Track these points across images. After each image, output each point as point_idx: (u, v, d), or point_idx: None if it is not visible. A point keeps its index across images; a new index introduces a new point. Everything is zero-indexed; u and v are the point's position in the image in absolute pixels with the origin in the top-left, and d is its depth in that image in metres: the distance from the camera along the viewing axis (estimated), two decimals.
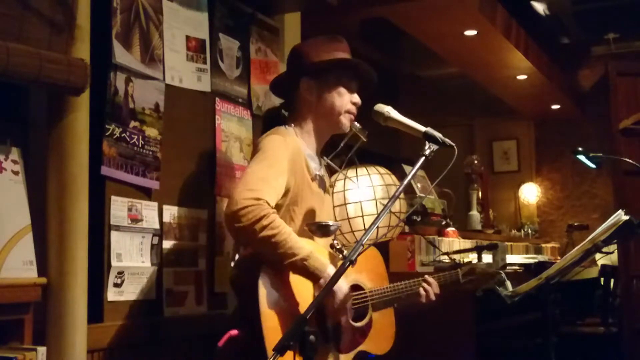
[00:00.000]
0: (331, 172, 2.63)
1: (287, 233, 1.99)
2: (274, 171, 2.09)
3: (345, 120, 2.32)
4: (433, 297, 2.31)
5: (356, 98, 2.35)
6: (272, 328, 1.95)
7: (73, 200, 1.99)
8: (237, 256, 2.17)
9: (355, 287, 2.24)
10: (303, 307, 2.01)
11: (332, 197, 2.57)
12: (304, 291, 2.07)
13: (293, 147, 2.19)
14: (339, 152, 2.50)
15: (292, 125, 2.31)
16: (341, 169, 2.88)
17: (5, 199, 1.90)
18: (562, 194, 7.62)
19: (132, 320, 2.27)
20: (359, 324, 2.24)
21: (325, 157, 2.48)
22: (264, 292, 1.97)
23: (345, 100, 2.31)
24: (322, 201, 2.32)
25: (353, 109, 2.34)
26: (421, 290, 2.30)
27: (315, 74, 2.30)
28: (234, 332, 2.01)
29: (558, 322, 2.77)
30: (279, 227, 1.97)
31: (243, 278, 2.09)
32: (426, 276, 2.34)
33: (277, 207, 2.12)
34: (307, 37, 3.28)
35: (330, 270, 2.03)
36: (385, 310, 2.32)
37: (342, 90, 2.31)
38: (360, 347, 2.23)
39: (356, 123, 2.37)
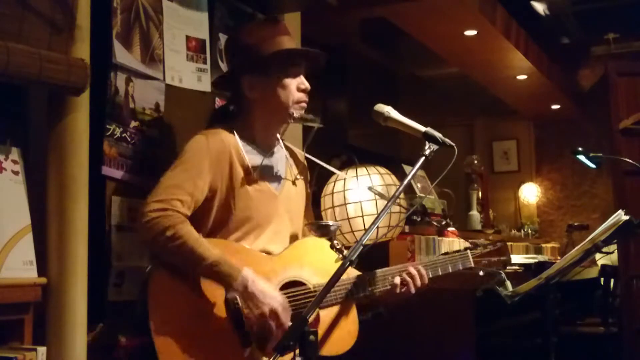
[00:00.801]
0: (328, 174, 2.58)
1: (193, 240, 1.93)
2: (190, 174, 2.02)
3: (296, 112, 2.18)
4: (412, 290, 2.15)
5: (304, 83, 2.18)
6: (165, 342, 1.89)
7: (73, 200, 1.99)
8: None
9: (295, 284, 2.09)
10: (200, 311, 1.95)
11: (305, 186, 2.38)
12: (206, 298, 1.98)
13: (217, 147, 2.08)
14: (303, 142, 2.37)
15: (235, 123, 2.19)
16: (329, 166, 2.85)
17: (5, 199, 1.90)
18: (562, 194, 7.61)
19: (132, 320, 2.27)
20: None
21: (290, 145, 2.36)
22: (153, 305, 1.92)
23: (292, 90, 2.16)
24: (274, 198, 2.18)
25: (302, 96, 2.18)
26: (396, 280, 2.14)
27: (256, 69, 2.14)
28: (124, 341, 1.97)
29: (558, 322, 2.77)
30: (183, 236, 1.92)
31: (142, 287, 2.02)
32: (410, 267, 2.17)
33: (206, 210, 2.06)
34: (307, 37, 3.29)
35: (246, 272, 1.95)
36: (342, 307, 2.14)
37: (287, 81, 2.15)
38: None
39: (305, 114, 2.23)
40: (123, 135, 2.27)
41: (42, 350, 1.87)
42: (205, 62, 2.64)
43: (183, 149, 2.09)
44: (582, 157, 4.81)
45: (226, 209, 2.10)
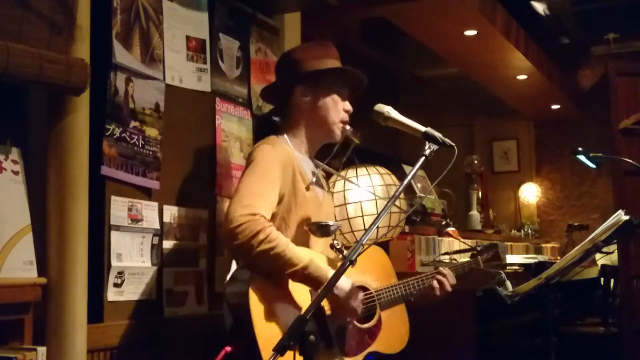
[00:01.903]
0: (328, 175, 2.62)
1: (285, 244, 2.00)
2: (267, 183, 2.10)
3: (338, 131, 2.33)
4: (449, 289, 2.31)
5: (348, 106, 2.36)
6: (267, 342, 1.94)
7: (73, 200, 1.99)
8: (231, 272, 2.17)
9: (360, 289, 2.23)
10: (292, 312, 2.02)
11: (332, 197, 2.57)
12: (299, 300, 2.07)
13: (284, 156, 2.20)
14: (336, 155, 2.49)
15: (285, 133, 2.32)
16: (339, 171, 2.88)
17: (5, 199, 1.90)
18: (562, 194, 7.61)
19: (132, 320, 2.27)
20: (366, 325, 2.23)
21: (318, 162, 2.46)
22: (256, 307, 1.98)
23: (339, 109, 2.33)
24: (320, 205, 2.32)
25: (346, 117, 2.35)
26: (435, 283, 2.30)
27: (309, 81, 2.30)
28: (229, 348, 2.00)
29: (558, 322, 2.77)
30: (276, 239, 1.98)
31: (235, 294, 2.08)
32: (440, 268, 2.34)
33: (272, 216, 2.13)
34: (307, 37, 3.29)
35: (332, 275, 2.03)
36: (396, 308, 2.31)
37: (337, 98, 2.33)
38: (370, 349, 2.23)
39: (348, 127, 2.37)
40: (123, 135, 2.27)
41: (42, 350, 1.87)
42: (205, 62, 2.64)
43: (253, 158, 2.17)
44: (582, 157, 4.80)
45: (288, 213, 2.18)
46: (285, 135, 2.31)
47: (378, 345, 2.25)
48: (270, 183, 2.11)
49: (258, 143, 2.26)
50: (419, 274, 2.35)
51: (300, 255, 2.03)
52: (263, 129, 2.40)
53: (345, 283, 2.09)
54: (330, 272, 2.05)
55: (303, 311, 2.01)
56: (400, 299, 2.30)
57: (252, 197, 2.03)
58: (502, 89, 6.61)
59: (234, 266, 2.18)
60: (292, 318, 1.99)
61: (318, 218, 2.27)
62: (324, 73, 2.30)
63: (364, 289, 2.25)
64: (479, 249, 2.53)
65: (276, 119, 2.37)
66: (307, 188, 2.24)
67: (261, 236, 1.96)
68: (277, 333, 1.97)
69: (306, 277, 2.03)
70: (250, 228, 1.96)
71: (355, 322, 2.19)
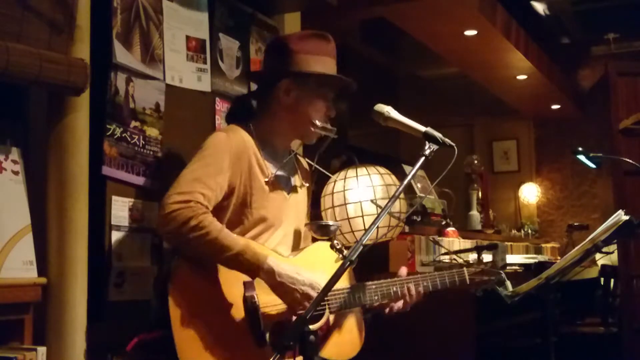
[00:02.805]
0: (319, 175, 2.59)
1: (218, 230, 1.95)
2: (211, 169, 2.04)
3: (313, 136, 2.26)
4: (407, 307, 2.22)
5: (332, 110, 2.28)
6: (183, 334, 1.91)
7: (73, 200, 1.99)
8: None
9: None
10: (220, 310, 1.97)
11: (308, 194, 2.45)
12: (227, 293, 2.00)
13: (239, 145, 2.12)
14: (315, 149, 2.43)
15: (252, 123, 2.23)
16: (338, 171, 2.87)
17: (5, 199, 1.90)
18: (562, 194, 7.62)
19: (132, 320, 2.27)
20: (310, 327, 2.02)
21: (298, 155, 2.41)
22: (175, 296, 1.93)
23: (321, 112, 2.25)
24: (284, 200, 2.23)
25: (326, 123, 2.27)
26: (398, 290, 2.20)
27: (297, 78, 2.21)
28: (143, 336, 1.98)
29: (558, 322, 2.77)
30: (208, 226, 1.93)
31: (159, 281, 2.05)
32: (408, 284, 2.22)
33: (223, 207, 2.08)
34: None
35: (271, 260, 1.98)
36: (349, 313, 2.20)
37: (321, 103, 2.25)
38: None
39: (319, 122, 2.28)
40: (123, 135, 2.27)
41: (42, 350, 1.87)
42: (205, 62, 2.64)
43: (203, 145, 2.11)
44: (582, 157, 4.80)
45: (243, 207, 2.13)
46: (251, 125, 2.22)
47: (324, 349, 2.12)
48: (215, 171, 2.04)
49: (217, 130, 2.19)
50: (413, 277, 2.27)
51: (235, 240, 1.96)
52: (238, 109, 2.32)
53: (288, 266, 2.00)
54: (269, 257, 1.97)
55: (217, 308, 1.96)
56: (353, 305, 2.17)
57: (190, 184, 1.98)
58: (502, 89, 6.61)
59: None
60: (215, 314, 1.95)
61: (280, 215, 2.19)
62: (315, 76, 2.22)
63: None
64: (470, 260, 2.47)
65: (254, 102, 2.30)
66: (267, 182, 2.16)
67: (192, 222, 1.91)
68: (196, 327, 1.92)
69: (241, 263, 1.95)
70: (181, 215, 1.92)
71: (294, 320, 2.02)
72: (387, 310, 2.25)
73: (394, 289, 2.22)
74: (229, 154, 2.10)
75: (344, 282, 2.21)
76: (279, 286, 1.99)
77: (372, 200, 2.96)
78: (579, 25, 6.67)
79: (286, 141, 2.33)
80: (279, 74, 2.23)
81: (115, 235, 2.24)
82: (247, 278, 1.99)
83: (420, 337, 2.84)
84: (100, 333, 2.12)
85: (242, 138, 2.16)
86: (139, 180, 2.33)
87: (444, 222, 4.14)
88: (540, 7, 6.26)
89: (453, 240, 4.00)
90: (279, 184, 2.23)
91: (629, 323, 4.62)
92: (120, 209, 2.27)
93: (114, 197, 2.25)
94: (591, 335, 5.03)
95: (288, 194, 2.27)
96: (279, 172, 2.23)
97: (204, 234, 1.93)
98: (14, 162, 1.96)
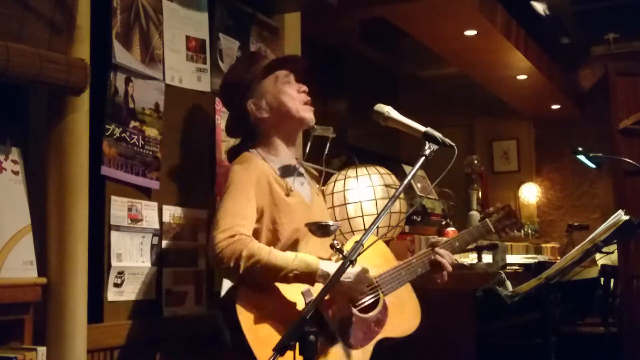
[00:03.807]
0: (319, 175, 2.60)
1: (267, 253, 2.02)
2: (242, 201, 2.13)
3: (306, 114, 2.32)
4: (449, 268, 2.35)
5: (301, 87, 2.34)
6: (261, 347, 1.94)
7: (73, 200, 1.99)
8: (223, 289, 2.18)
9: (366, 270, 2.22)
10: (290, 316, 2.01)
11: (324, 197, 2.54)
12: (291, 299, 2.07)
13: (256, 171, 2.21)
14: (314, 150, 2.46)
15: (257, 148, 2.31)
16: (338, 172, 2.87)
17: (5, 199, 1.90)
18: (562, 194, 7.62)
19: (132, 320, 2.27)
20: (370, 314, 2.22)
21: (304, 163, 2.45)
22: (245, 317, 1.98)
23: (294, 95, 2.31)
24: (308, 207, 2.31)
25: (304, 97, 2.33)
26: (438, 258, 2.33)
27: (254, 91, 2.30)
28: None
29: (558, 322, 2.77)
30: (257, 252, 2.00)
31: (225, 310, 2.07)
32: (436, 248, 2.36)
33: (257, 231, 2.15)
34: (307, 37, 3.29)
35: (322, 264, 2.05)
36: (401, 291, 2.31)
37: (285, 88, 2.31)
38: (379, 336, 2.22)
39: (316, 126, 2.37)
40: (123, 135, 2.27)
41: (42, 350, 1.87)
42: (205, 62, 2.64)
43: (227, 183, 2.18)
44: (582, 157, 4.81)
45: (274, 225, 2.20)
46: (257, 149, 2.31)
47: (387, 332, 2.24)
48: (245, 200, 2.14)
49: (232, 163, 2.28)
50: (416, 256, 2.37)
51: (285, 257, 2.04)
52: (234, 153, 2.37)
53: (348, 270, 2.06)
54: (320, 262, 2.05)
55: (288, 317, 2.02)
56: (403, 282, 2.31)
57: (229, 219, 2.06)
58: (502, 89, 6.61)
59: (226, 282, 2.18)
60: (285, 318, 2.01)
61: (308, 220, 2.26)
62: (261, 77, 2.30)
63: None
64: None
65: (249, 144, 2.35)
66: (287, 194, 2.24)
67: (244, 253, 1.99)
68: (271, 336, 1.96)
69: (297, 277, 2.03)
70: (232, 249, 1.99)
71: (357, 313, 2.18)
72: (438, 279, 2.37)
73: (432, 257, 2.35)
74: (250, 182, 2.17)
75: (386, 265, 2.33)
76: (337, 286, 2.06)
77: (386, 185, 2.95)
78: (579, 25, 6.67)
79: (292, 142, 2.38)
80: (240, 103, 2.31)
81: (115, 235, 2.24)
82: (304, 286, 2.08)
83: (420, 337, 2.82)
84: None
85: (255, 164, 2.24)
86: (139, 180, 2.33)
87: (444, 222, 4.14)
88: (540, 7, 6.25)
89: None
90: (299, 195, 2.30)
91: (629, 323, 4.62)
92: (120, 209, 2.27)
93: (113, 197, 2.25)
94: (591, 335, 5.03)
95: (309, 199, 2.34)
96: (296, 183, 2.30)
97: (256, 260, 1.99)
98: (14, 162, 1.96)
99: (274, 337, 1.97)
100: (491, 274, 2.46)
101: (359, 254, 1.75)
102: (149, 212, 2.37)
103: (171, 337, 2.39)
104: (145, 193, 2.37)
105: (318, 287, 2.06)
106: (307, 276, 2.04)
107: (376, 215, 1.93)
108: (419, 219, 3.97)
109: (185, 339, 2.43)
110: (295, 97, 2.31)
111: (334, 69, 5.46)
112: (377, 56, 6.25)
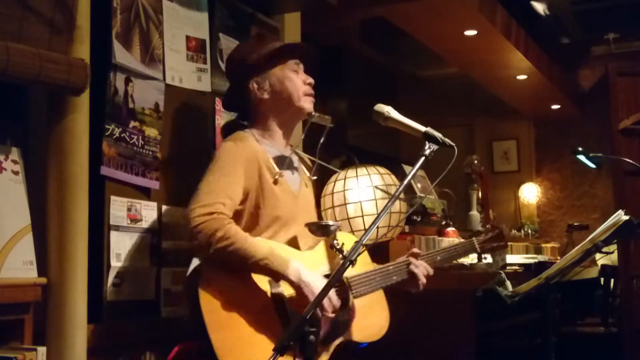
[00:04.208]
0: (323, 172, 2.60)
1: (243, 239, 2.00)
2: (227, 179, 2.10)
3: (305, 104, 2.31)
4: (423, 280, 2.29)
5: (308, 78, 2.33)
6: (220, 338, 1.93)
7: (73, 200, 1.99)
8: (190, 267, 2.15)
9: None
10: (254, 302, 2.01)
11: (313, 188, 2.48)
12: (256, 286, 2.05)
13: (248, 151, 2.18)
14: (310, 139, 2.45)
15: (252, 129, 2.29)
16: (338, 170, 2.86)
17: (5, 199, 1.90)
18: (562, 194, 7.62)
19: (131, 320, 2.27)
20: (336, 314, 2.14)
21: (298, 151, 2.43)
22: (206, 300, 1.95)
23: (298, 83, 2.29)
24: (295, 197, 2.28)
25: (308, 89, 2.32)
26: (412, 268, 2.27)
27: (259, 71, 2.28)
28: (183, 345, 2.00)
29: (558, 322, 2.77)
30: (233, 235, 1.98)
31: (189, 288, 2.06)
32: (411, 258, 2.30)
33: (239, 213, 2.12)
34: (307, 37, 3.29)
35: (293, 264, 2.03)
36: (372, 295, 2.26)
37: (292, 74, 2.30)
38: (342, 338, 2.17)
39: (314, 112, 2.35)
40: (122, 135, 2.27)
41: (42, 350, 1.87)
42: (205, 62, 2.64)
43: (215, 156, 2.16)
44: (582, 157, 4.81)
45: (256, 209, 2.17)
46: (251, 130, 2.28)
47: (351, 334, 2.19)
48: (233, 179, 2.10)
49: (224, 139, 2.25)
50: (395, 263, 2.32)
51: (259, 246, 2.02)
52: (229, 129, 2.35)
53: (310, 276, 2.05)
54: (291, 262, 2.03)
55: (264, 294, 2.00)
56: (376, 287, 2.25)
57: (210, 196, 2.03)
58: (502, 89, 6.61)
59: (194, 262, 2.14)
60: (248, 303, 1.99)
61: (291, 212, 2.24)
62: (269, 58, 2.27)
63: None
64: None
65: (244, 122, 2.33)
66: (275, 182, 2.21)
67: (219, 234, 1.96)
68: (231, 319, 1.95)
69: (266, 268, 2.01)
70: (208, 227, 1.96)
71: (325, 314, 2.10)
72: (412, 289, 2.31)
73: (410, 267, 2.30)
74: (241, 161, 2.15)
75: (364, 267, 2.27)
76: (301, 289, 2.04)
77: (376, 187, 2.95)
78: (579, 25, 6.67)
79: (289, 131, 2.35)
80: (244, 80, 2.29)
81: (114, 235, 2.24)
82: None
83: (421, 336, 2.83)
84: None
85: (249, 143, 2.21)
86: (138, 180, 2.33)
87: (444, 222, 4.14)
88: (540, 7, 6.25)
89: (453, 240, 4.00)
90: (286, 183, 2.27)
91: (629, 323, 4.62)
92: (119, 209, 2.27)
93: (112, 197, 2.25)
94: (591, 335, 5.02)
95: (297, 189, 2.31)
96: (286, 171, 2.28)
97: (230, 243, 1.97)
98: (14, 162, 1.96)
99: (234, 321, 1.96)
100: (491, 274, 2.45)
101: (359, 254, 1.74)
102: (148, 212, 2.37)
103: (170, 337, 2.38)
104: (145, 193, 2.37)
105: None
106: (275, 271, 2.01)
107: (376, 215, 1.93)
108: (419, 219, 3.96)
109: (184, 339, 2.43)
110: (299, 87, 2.29)
111: (333, 69, 5.47)
112: (377, 56, 6.25)
